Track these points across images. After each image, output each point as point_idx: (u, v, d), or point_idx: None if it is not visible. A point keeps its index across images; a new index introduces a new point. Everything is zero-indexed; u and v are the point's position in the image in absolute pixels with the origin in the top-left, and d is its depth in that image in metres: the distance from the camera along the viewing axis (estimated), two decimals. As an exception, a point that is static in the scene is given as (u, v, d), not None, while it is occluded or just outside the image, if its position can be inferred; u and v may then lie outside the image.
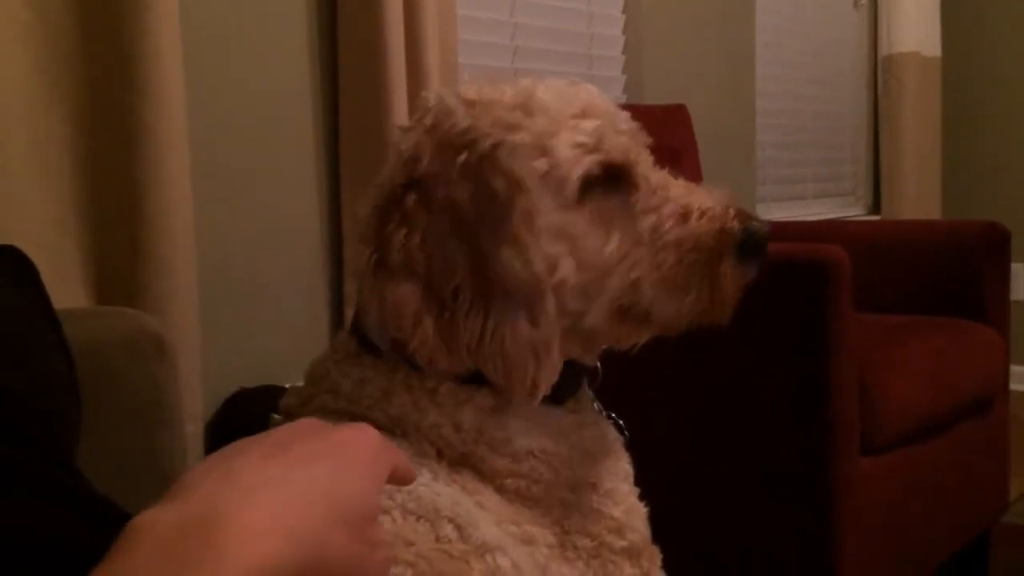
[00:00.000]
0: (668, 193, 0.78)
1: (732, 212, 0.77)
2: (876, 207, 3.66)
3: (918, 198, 3.56)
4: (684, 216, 0.77)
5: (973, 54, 3.79)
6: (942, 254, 2.17)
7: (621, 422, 0.86)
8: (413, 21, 1.88)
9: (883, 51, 3.56)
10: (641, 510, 0.82)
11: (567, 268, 0.73)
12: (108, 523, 0.79)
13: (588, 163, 0.74)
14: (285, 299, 1.85)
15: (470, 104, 0.75)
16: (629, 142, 0.78)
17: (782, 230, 2.53)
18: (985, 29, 3.79)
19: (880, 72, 3.59)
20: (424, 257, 0.70)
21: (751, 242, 0.77)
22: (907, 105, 3.54)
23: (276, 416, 1.45)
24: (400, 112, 1.84)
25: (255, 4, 1.79)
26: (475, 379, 0.74)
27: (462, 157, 0.72)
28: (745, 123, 3.07)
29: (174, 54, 1.47)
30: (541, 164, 0.73)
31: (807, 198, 3.42)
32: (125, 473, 1.02)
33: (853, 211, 3.63)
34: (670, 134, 2.37)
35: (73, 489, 0.79)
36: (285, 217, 1.85)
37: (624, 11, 2.69)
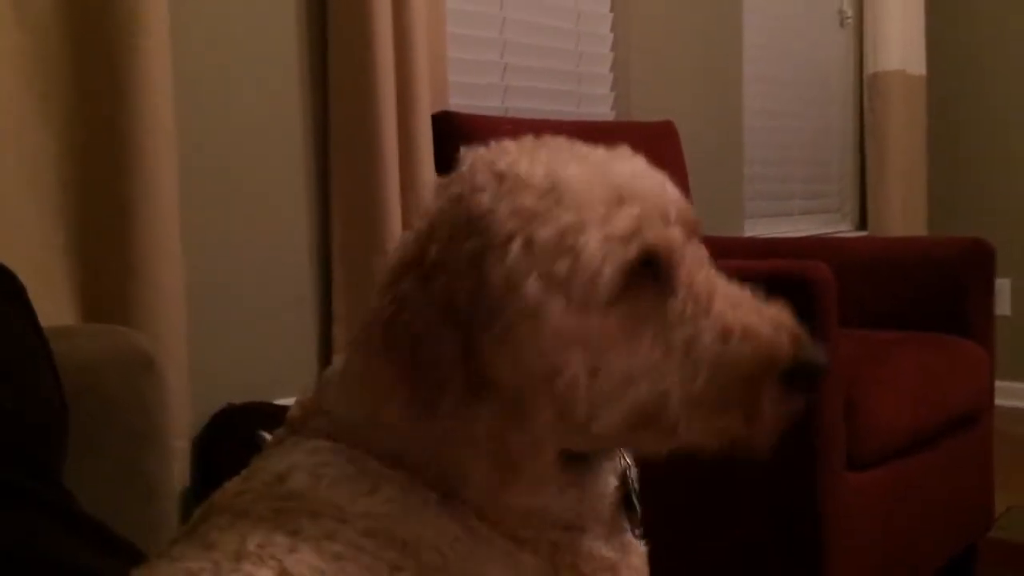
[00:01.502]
0: (712, 304, 0.68)
1: (785, 336, 0.68)
2: (863, 223, 3.69)
3: (904, 214, 3.59)
4: (725, 335, 0.67)
5: (958, 72, 3.83)
6: (927, 270, 2.19)
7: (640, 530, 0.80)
8: (401, 17, 1.89)
9: (869, 69, 3.60)
10: (639, 548, 0.78)
11: (579, 373, 0.66)
12: (93, 540, 0.80)
13: (625, 254, 0.66)
14: (274, 315, 1.85)
15: (499, 177, 0.69)
16: (675, 235, 0.69)
17: (767, 246, 2.55)
18: (970, 47, 3.83)
19: (866, 90, 3.63)
20: (410, 346, 0.66)
21: (803, 373, 0.68)
22: (893, 123, 3.58)
23: (263, 433, 1.44)
24: (389, 111, 1.84)
25: (245, 20, 1.80)
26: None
27: (470, 244, 0.66)
28: (732, 139, 3.09)
29: (163, 72, 1.48)
30: (562, 265, 0.65)
31: (794, 214, 3.44)
32: (113, 488, 1.02)
33: (840, 227, 3.66)
34: (658, 150, 2.38)
35: (59, 505, 0.80)
36: (274, 234, 1.86)
37: (612, 29, 2.71)
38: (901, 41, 3.56)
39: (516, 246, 0.65)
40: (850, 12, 3.61)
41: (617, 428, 0.68)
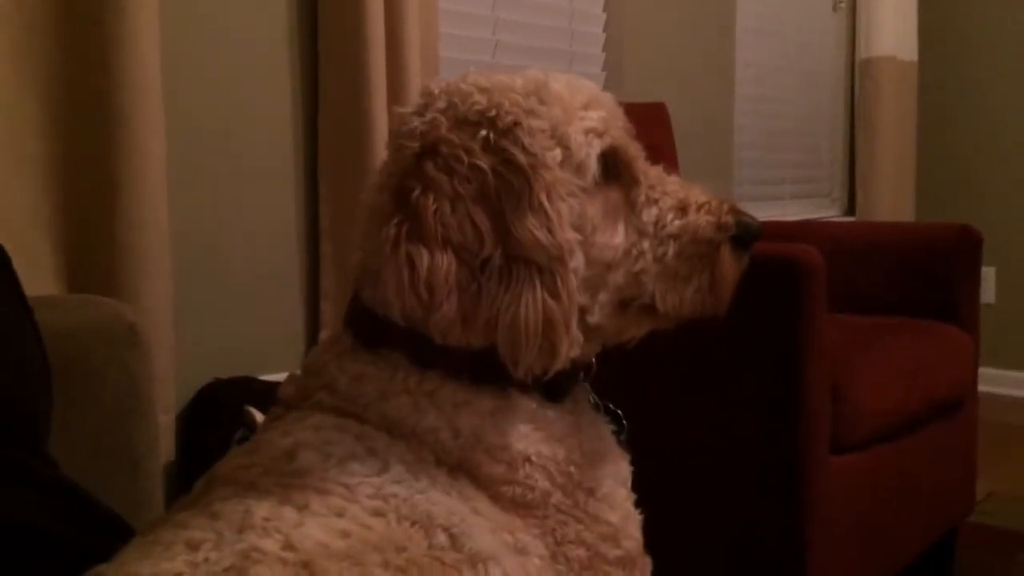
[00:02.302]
0: (666, 187, 0.80)
1: (726, 207, 0.80)
2: (852, 209, 3.69)
3: (893, 200, 3.60)
4: (683, 209, 0.79)
5: (949, 59, 3.83)
6: (915, 256, 2.20)
7: (620, 412, 0.86)
8: (394, 14, 1.87)
9: (861, 54, 3.59)
10: (636, 517, 0.82)
11: (579, 260, 0.74)
12: (78, 510, 0.79)
13: (601, 145, 0.76)
14: (261, 291, 1.84)
15: (483, 90, 0.75)
16: (629, 137, 0.80)
17: (758, 230, 2.54)
18: (962, 35, 3.83)
19: (857, 75, 3.62)
20: (457, 225, 0.70)
21: (746, 234, 0.80)
22: (883, 109, 3.58)
23: (250, 408, 1.43)
24: (380, 106, 1.83)
25: (236, 3, 1.78)
26: (478, 375, 0.74)
27: (483, 132, 0.72)
28: (723, 122, 3.09)
29: (152, 42, 1.46)
30: (556, 153, 0.74)
31: (784, 199, 3.45)
32: (98, 462, 1.01)
33: (829, 212, 3.66)
34: (649, 131, 2.37)
35: (43, 475, 0.79)
36: (263, 209, 1.84)
37: (605, 9, 2.70)
38: (893, 27, 3.55)
39: (524, 131, 0.73)
40: (843, -3, 3.60)
41: (608, 315, 0.78)
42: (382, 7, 1.84)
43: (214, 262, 1.76)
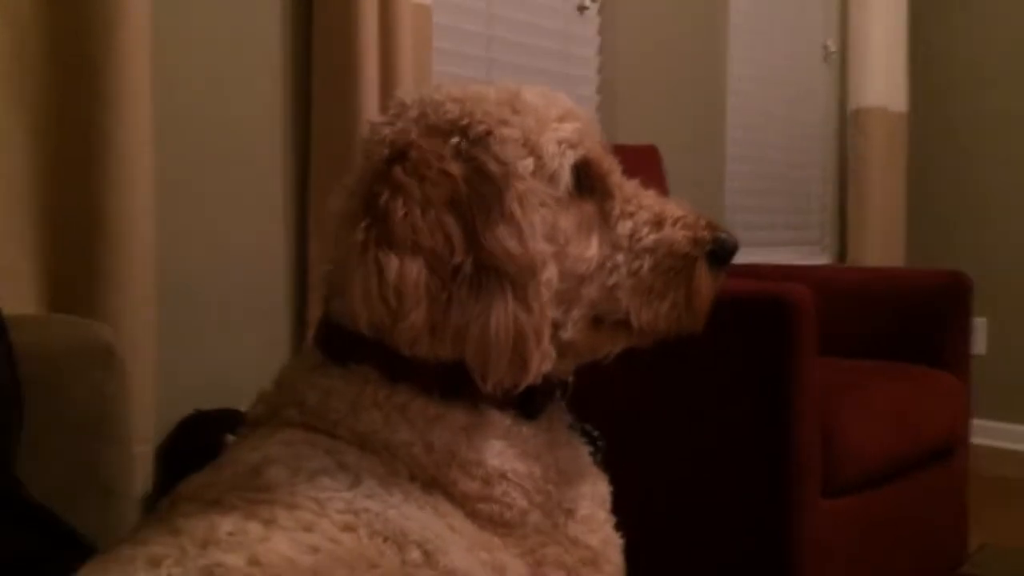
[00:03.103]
0: (641, 201, 0.79)
1: (703, 222, 0.79)
2: (843, 257, 3.70)
3: (883, 250, 3.61)
4: (658, 223, 0.78)
5: (939, 110, 3.87)
6: (906, 302, 2.19)
7: (596, 433, 0.85)
8: (388, 56, 1.88)
9: (851, 105, 3.63)
10: (617, 541, 0.80)
11: (551, 272, 0.72)
12: (43, 529, 0.77)
13: (575, 156, 0.75)
14: (247, 321, 1.82)
15: (456, 99, 0.75)
16: (604, 150, 0.79)
17: (747, 272, 2.54)
18: (951, 86, 3.87)
19: (848, 126, 3.65)
20: (427, 230, 0.68)
21: (722, 250, 0.78)
22: (874, 159, 3.60)
23: (231, 437, 1.41)
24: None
25: (227, 15, 1.78)
26: (448, 390, 0.72)
27: (454, 140, 0.71)
28: (715, 167, 3.10)
29: (141, 64, 1.45)
30: (528, 163, 0.73)
31: (775, 245, 3.45)
32: (68, 485, 0.99)
33: (819, 260, 3.66)
34: (640, 173, 2.38)
35: (8, 494, 0.77)
36: (250, 237, 1.83)
37: (599, 53, 2.72)
38: (883, 78, 3.59)
39: (496, 140, 0.72)
40: (834, 47, 3.64)
41: (582, 330, 0.76)
42: (377, 46, 1.84)
43: (200, 292, 1.74)
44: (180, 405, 1.68)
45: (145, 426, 1.50)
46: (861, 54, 3.57)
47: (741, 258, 2.87)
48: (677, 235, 0.77)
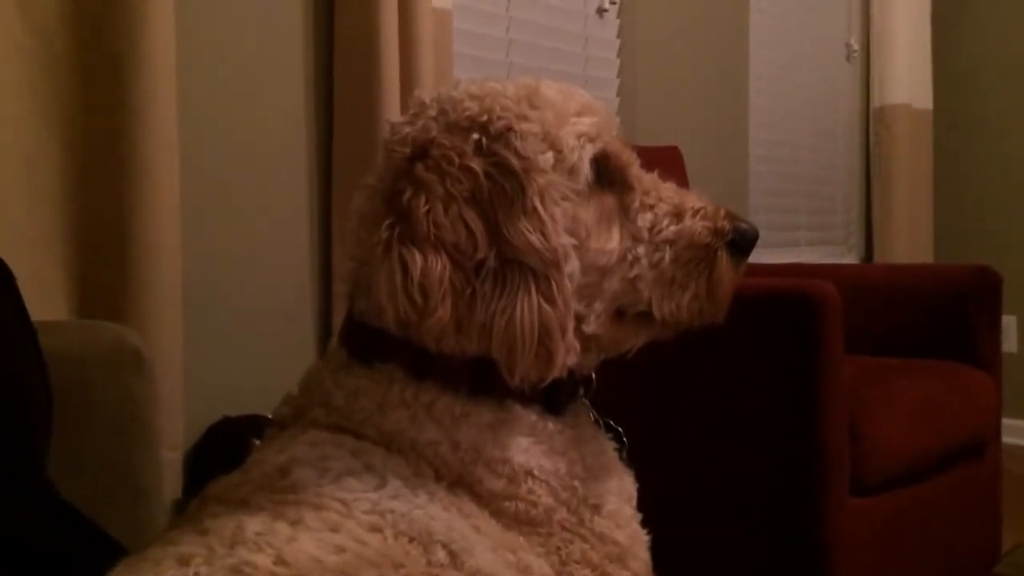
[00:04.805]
0: (661, 193, 0.79)
1: (723, 212, 0.79)
2: (869, 256, 3.67)
3: (910, 248, 3.57)
4: (678, 215, 0.78)
5: (964, 106, 3.83)
6: (933, 298, 2.17)
7: (620, 429, 0.84)
8: (408, 61, 1.89)
9: (875, 103, 3.60)
10: (644, 537, 0.80)
11: (574, 265, 0.73)
12: (69, 527, 0.78)
13: (594, 149, 0.75)
14: (274, 328, 1.83)
15: (475, 97, 0.75)
16: (623, 144, 0.80)
17: (771, 271, 2.53)
18: (975, 82, 3.83)
19: (872, 123, 3.63)
20: (450, 226, 0.68)
21: (743, 239, 0.78)
22: (898, 156, 3.57)
23: (257, 442, 1.42)
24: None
25: (250, 24, 1.80)
26: (475, 386, 0.72)
27: (475, 136, 0.72)
28: (738, 168, 3.09)
29: (168, 75, 1.48)
30: (548, 157, 0.73)
31: (799, 245, 3.43)
32: (98, 486, 1.00)
33: (846, 259, 3.64)
34: (663, 174, 2.37)
35: (40, 494, 0.78)
36: (275, 246, 1.85)
37: (619, 55, 2.72)
38: (907, 75, 3.56)
39: (516, 136, 0.72)
40: (856, 46, 3.62)
41: (605, 324, 0.76)
42: (397, 65, 1.84)
43: (227, 298, 1.76)
44: (208, 411, 1.69)
45: (174, 431, 1.52)
46: (884, 52, 3.55)
47: (766, 258, 2.85)
48: (697, 226, 0.77)
